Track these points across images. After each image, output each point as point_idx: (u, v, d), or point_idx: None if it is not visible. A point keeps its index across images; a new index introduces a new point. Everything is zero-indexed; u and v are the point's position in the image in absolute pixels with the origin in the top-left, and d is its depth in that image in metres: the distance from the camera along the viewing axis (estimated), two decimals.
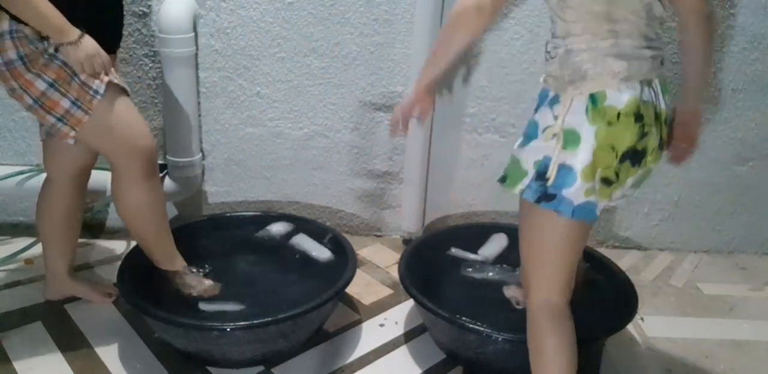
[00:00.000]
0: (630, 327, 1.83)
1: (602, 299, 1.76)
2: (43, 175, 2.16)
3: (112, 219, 2.34)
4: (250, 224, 2.06)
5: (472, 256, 2.03)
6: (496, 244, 2.06)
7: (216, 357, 1.65)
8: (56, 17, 1.37)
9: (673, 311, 2.02)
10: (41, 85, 1.44)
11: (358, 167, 2.27)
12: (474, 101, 2.13)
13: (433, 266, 1.95)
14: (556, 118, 1.20)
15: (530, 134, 1.25)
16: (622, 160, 1.20)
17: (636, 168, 1.24)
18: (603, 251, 2.07)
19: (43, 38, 1.42)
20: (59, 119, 1.47)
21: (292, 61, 2.08)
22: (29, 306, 1.88)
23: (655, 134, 1.23)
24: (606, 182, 1.22)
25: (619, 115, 1.17)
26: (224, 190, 2.31)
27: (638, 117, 1.19)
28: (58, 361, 1.66)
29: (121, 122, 1.53)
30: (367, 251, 2.30)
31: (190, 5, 1.95)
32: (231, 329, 1.54)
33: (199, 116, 2.15)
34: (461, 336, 1.64)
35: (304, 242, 2.02)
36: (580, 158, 1.18)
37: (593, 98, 1.17)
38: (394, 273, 1.95)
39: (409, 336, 1.82)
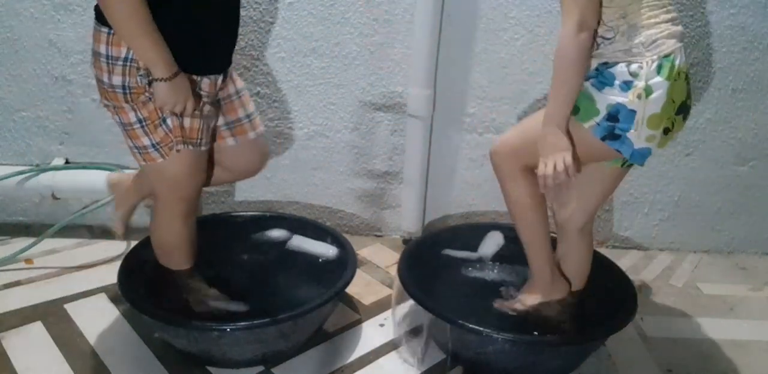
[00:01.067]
0: (630, 327, 1.83)
1: (602, 299, 1.76)
2: (43, 175, 2.17)
3: (112, 219, 2.34)
4: (250, 224, 2.06)
5: (462, 254, 2.03)
6: (492, 242, 2.06)
7: (216, 357, 1.64)
8: (157, 45, 1.31)
9: (673, 311, 2.02)
10: (132, 118, 1.44)
11: (358, 167, 2.27)
12: (474, 101, 2.13)
13: (433, 266, 1.95)
14: (634, 74, 1.34)
15: (605, 82, 1.37)
16: (678, 112, 1.40)
17: (684, 121, 1.45)
18: (603, 251, 2.07)
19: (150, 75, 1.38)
20: (137, 148, 1.50)
21: (292, 61, 2.08)
22: (29, 306, 1.88)
23: (690, 92, 1.44)
24: (665, 131, 1.41)
25: (679, 73, 1.36)
26: (224, 190, 2.31)
27: (686, 75, 1.40)
28: (58, 361, 1.66)
29: (179, 174, 1.54)
30: (367, 251, 2.30)
31: None
32: (231, 329, 1.54)
33: None
34: (461, 336, 1.64)
35: (304, 243, 2.02)
36: (650, 108, 1.35)
37: (666, 59, 1.34)
38: (394, 273, 1.95)
39: (408, 336, 1.82)
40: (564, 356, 1.68)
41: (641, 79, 1.33)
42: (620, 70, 1.35)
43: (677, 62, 1.35)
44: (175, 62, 1.37)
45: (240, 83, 1.66)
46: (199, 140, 1.51)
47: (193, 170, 1.56)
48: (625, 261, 2.28)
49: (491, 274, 1.98)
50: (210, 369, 1.66)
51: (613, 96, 1.36)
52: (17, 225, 2.32)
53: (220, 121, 1.64)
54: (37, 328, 1.79)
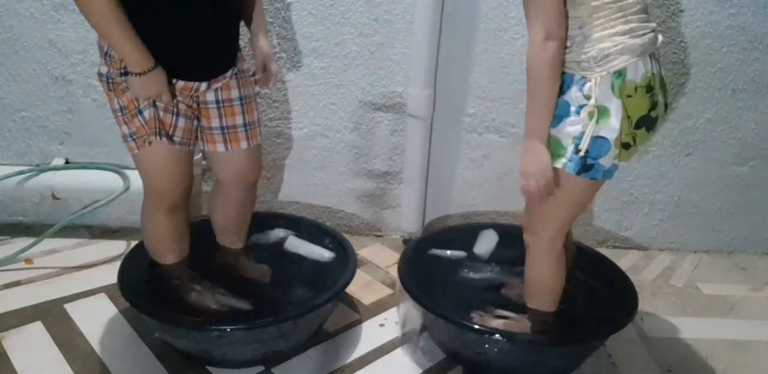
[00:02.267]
0: (630, 327, 1.83)
1: (602, 299, 1.76)
2: (43, 175, 2.17)
3: (112, 219, 2.34)
4: (250, 224, 2.06)
5: (449, 253, 2.02)
6: (488, 241, 2.06)
7: (216, 357, 1.65)
8: (128, 43, 1.35)
9: (673, 311, 2.02)
10: (115, 105, 1.53)
11: (358, 167, 2.27)
12: (474, 101, 2.13)
13: (433, 265, 1.95)
14: (587, 97, 1.32)
15: (562, 114, 1.36)
16: (637, 127, 1.37)
17: (650, 133, 1.42)
18: (603, 251, 2.07)
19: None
20: (122, 137, 1.56)
21: (292, 61, 2.08)
22: (29, 306, 1.88)
23: (662, 101, 1.42)
24: (625, 146, 1.38)
25: (636, 88, 1.33)
26: None
27: (649, 88, 1.36)
28: (58, 361, 1.66)
29: (153, 168, 1.58)
30: (367, 251, 2.30)
31: None
32: (231, 329, 1.54)
33: None
34: (461, 336, 1.64)
35: (300, 246, 2.02)
36: (612, 129, 1.33)
37: (617, 75, 1.31)
38: (394, 273, 1.95)
39: (408, 336, 1.82)
40: (564, 356, 1.68)
41: (592, 98, 1.31)
42: (574, 96, 1.34)
43: (630, 78, 1.31)
44: (151, 58, 1.40)
45: (249, 90, 1.66)
46: (173, 136, 1.53)
47: (168, 166, 1.57)
48: (625, 261, 2.28)
49: (491, 274, 1.97)
50: (210, 369, 1.66)
51: (573, 127, 1.35)
52: (17, 225, 2.32)
53: (215, 123, 1.63)
54: (37, 328, 1.79)
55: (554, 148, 1.39)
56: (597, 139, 1.34)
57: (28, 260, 2.10)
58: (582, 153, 1.35)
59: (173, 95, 1.49)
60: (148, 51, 1.39)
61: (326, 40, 2.05)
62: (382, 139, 2.21)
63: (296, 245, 2.03)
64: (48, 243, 2.14)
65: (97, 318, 1.84)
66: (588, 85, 1.32)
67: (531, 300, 1.65)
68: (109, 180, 2.17)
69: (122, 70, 1.43)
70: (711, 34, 2.00)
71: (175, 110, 1.52)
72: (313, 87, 2.12)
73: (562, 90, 1.36)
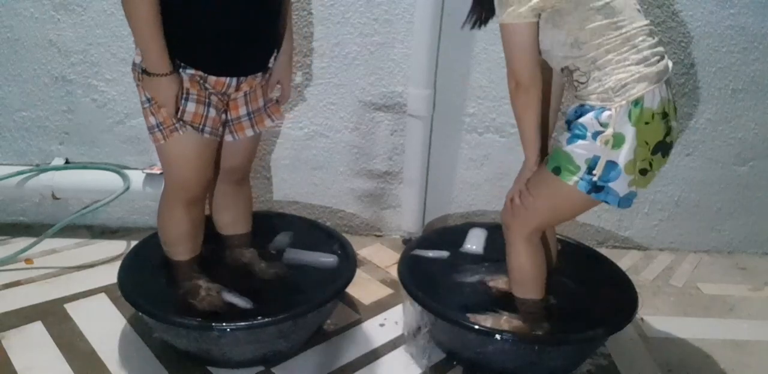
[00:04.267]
0: (630, 327, 1.83)
1: (602, 299, 1.76)
2: (43, 175, 2.17)
3: (112, 219, 2.34)
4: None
5: (432, 254, 2.01)
6: (477, 237, 2.06)
7: (216, 357, 1.64)
8: (151, 45, 1.41)
9: (673, 311, 2.02)
10: (142, 96, 1.55)
11: (358, 167, 2.27)
12: (474, 101, 2.13)
13: (432, 265, 1.95)
14: (604, 124, 1.37)
15: (579, 135, 1.41)
16: (654, 152, 1.42)
17: (665, 158, 1.47)
18: (603, 251, 2.07)
19: None
20: (148, 129, 1.57)
21: (292, 61, 2.08)
22: (29, 306, 1.88)
23: (675, 127, 1.46)
24: (642, 172, 1.43)
25: (653, 115, 1.38)
26: None
27: (664, 115, 1.40)
28: (58, 361, 1.66)
29: (179, 158, 1.59)
30: (367, 251, 2.30)
31: None
32: (231, 329, 1.54)
33: None
34: (461, 335, 1.64)
35: (302, 256, 1.99)
36: (623, 155, 1.38)
37: (635, 103, 1.36)
38: (394, 273, 1.95)
39: (409, 336, 1.82)
40: (564, 356, 1.68)
41: (610, 127, 1.36)
42: (590, 122, 1.38)
43: (648, 106, 1.36)
44: (169, 66, 1.44)
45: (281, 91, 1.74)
46: (201, 126, 1.55)
47: (194, 156, 1.59)
48: (625, 261, 2.28)
49: (492, 274, 1.97)
50: (210, 369, 1.66)
51: (588, 150, 1.40)
52: (17, 225, 2.32)
53: (242, 111, 1.68)
54: (37, 328, 1.79)
55: (564, 163, 1.44)
56: (608, 163, 1.39)
57: (28, 260, 2.10)
58: (596, 178, 1.41)
59: (206, 92, 1.54)
60: (184, 47, 1.45)
61: (326, 40, 2.05)
62: (382, 139, 2.21)
63: (295, 256, 1.99)
64: (48, 243, 2.14)
65: (97, 318, 1.84)
66: (606, 113, 1.36)
67: (517, 290, 1.71)
68: (109, 180, 2.17)
69: (142, 66, 1.48)
70: (711, 34, 2.00)
71: (207, 100, 1.55)
72: (313, 87, 2.13)
73: (580, 114, 1.41)
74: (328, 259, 1.93)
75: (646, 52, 1.36)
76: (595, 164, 1.40)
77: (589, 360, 1.73)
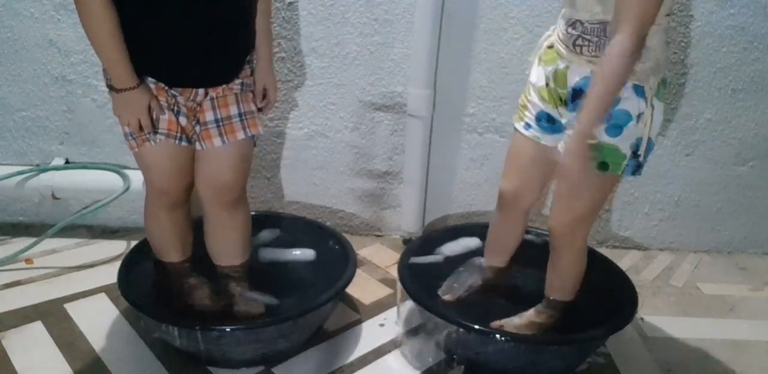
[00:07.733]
0: (630, 326, 1.83)
1: (602, 299, 1.76)
2: (43, 175, 2.17)
3: (112, 219, 2.34)
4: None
5: (425, 259, 2.00)
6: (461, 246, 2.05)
7: (216, 357, 1.65)
8: (117, 57, 1.39)
9: (673, 311, 2.03)
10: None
11: (358, 167, 2.27)
12: (474, 101, 2.13)
13: (432, 265, 1.95)
14: (641, 108, 1.37)
15: (621, 123, 1.38)
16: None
17: None
18: (603, 251, 2.07)
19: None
20: (124, 136, 1.56)
21: (292, 61, 2.08)
22: (29, 305, 1.88)
23: None
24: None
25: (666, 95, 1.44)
26: None
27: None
28: (58, 361, 1.66)
29: (152, 165, 1.59)
30: (367, 251, 2.30)
31: None
32: (231, 329, 1.54)
33: None
34: (461, 335, 1.64)
35: (277, 254, 1.99)
36: (656, 129, 1.43)
37: (663, 82, 1.41)
38: (394, 273, 1.95)
39: (409, 336, 1.82)
40: (564, 356, 1.68)
41: (648, 107, 1.38)
42: (632, 105, 1.36)
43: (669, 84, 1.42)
44: (136, 77, 1.42)
45: (250, 106, 1.61)
46: (176, 134, 1.54)
47: (168, 162, 1.58)
48: (625, 261, 2.28)
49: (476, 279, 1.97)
50: (210, 369, 1.66)
51: (631, 135, 1.40)
52: (17, 225, 2.32)
53: (209, 116, 1.56)
54: (37, 328, 1.79)
55: (610, 157, 1.42)
56: (649, 140, 1.42)
57: (28, 260, 2.10)
58: (641, 158, 1.43)
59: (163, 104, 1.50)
60: (140, 58, 1.41)
61: (326, 40, 2.05)
62: (382, 139, 2.21)
63: (270, 256, 1.98)
64: (48, 243, 2.14)
65: (97, 318, 1.84)
66: (642, 102, 1.37)
67: (556, 293, 1.71)
68: (109, 180, 2.17)
69: (109, 83, 1.47)
70: (711, 34, 2.00)
71: (176, 108, 1.53)
72: (313, 87, 2.12)
73: (618, 100, 1.36)
74: (304, 253, 1.94)
75: (666, 35, 1.39)
76: (638, 146, 1.41)
77: (588, 360, 1.73)
